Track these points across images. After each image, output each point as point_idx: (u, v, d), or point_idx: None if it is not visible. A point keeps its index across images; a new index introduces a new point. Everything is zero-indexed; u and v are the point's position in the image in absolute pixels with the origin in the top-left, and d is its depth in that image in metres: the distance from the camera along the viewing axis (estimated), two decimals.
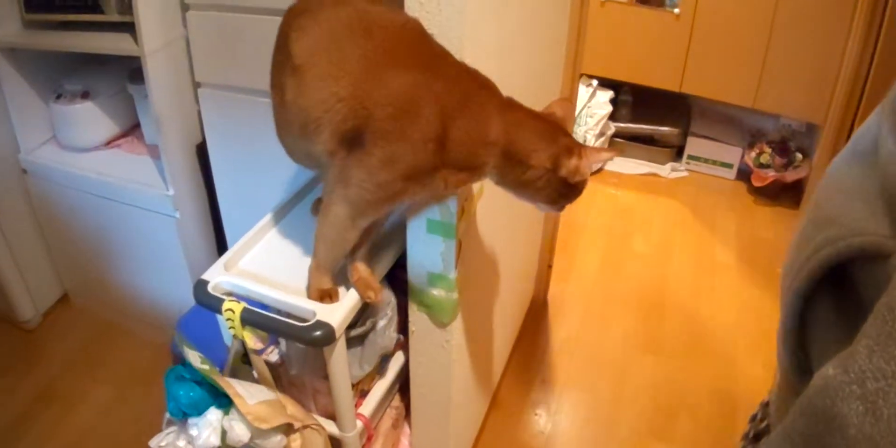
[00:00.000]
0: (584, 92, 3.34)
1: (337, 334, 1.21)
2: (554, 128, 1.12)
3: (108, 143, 2.20)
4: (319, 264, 1.26)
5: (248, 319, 1.24)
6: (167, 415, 1.31)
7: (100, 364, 2.38)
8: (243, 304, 1.25)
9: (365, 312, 1.37)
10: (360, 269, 1.30)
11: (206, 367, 1.37)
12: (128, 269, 2.33)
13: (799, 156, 3.11)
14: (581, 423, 2.26)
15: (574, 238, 3.03)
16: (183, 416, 1.28)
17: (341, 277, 1.32)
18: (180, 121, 1.94)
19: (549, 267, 2.61)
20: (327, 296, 1.26)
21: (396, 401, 1.72)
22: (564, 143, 1.10)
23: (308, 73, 1.10)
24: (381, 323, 1.41)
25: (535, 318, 2.64)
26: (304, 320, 1.22)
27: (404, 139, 1.06)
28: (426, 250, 1.32)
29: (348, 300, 1.26)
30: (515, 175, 1.11)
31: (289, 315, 1.26)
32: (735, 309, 2.69)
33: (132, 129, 2.24)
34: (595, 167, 1.07)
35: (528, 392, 2.36)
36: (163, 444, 1.28)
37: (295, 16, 1.15)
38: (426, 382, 1.59)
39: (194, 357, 1.37)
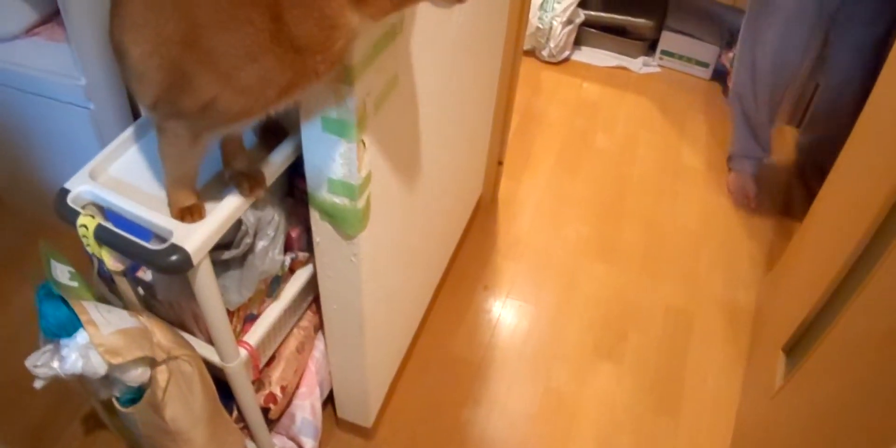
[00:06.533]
0: None
1: (195, 260, 1.05)
2: None
3: (28, 32, 2.04)
4: (173, 180, 1.09)
5: (102, 237, 1.08)
6: (41, 333, 1.17)
7: (30, 265, 2.24)
8: (98, 220, 1.08)
9: (239, 232, 1.18)
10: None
11: (73, 284, 1.20)
12: (51, 166, 2.22)
13: None
14: (523, 336, 2.14)
15: (530, 131, 2.83)
16: (54, 336, 1.14)
17: (214, 189, 1.14)
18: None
19: (500, 163, 2.43)
20: (188, 214, 1.08)
21: (306, 321, 1.56)
22: None
23: None
24: (262, 244, 1.23)
25: (483, 218, 2.49)
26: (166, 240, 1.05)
27: None
28: (323, 153, 1.12)
29: (213, 220, 1.09)
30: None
31: (156, 234, 1.09)
32: (698, 218, 2.54)
33: (54, 14, 2.06)
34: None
35: (470, 300, 2.23)
36: (38, 363, 1.16)
37: None
38: (336, 298, 1.44)
39: (62, 272, 1.21)
